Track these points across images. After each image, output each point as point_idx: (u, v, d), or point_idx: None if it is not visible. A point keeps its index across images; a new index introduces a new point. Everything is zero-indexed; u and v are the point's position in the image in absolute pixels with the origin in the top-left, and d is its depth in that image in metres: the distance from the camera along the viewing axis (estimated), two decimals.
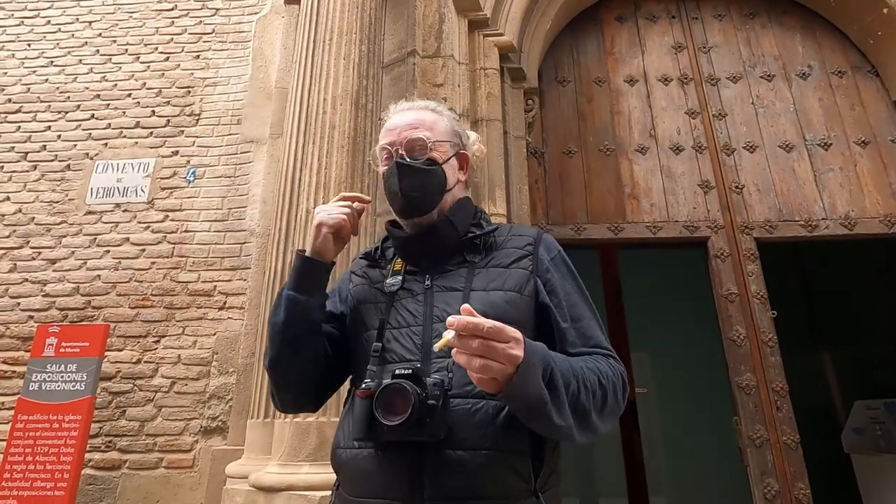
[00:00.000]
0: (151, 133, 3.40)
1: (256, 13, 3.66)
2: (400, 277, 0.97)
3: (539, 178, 3.45)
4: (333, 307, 1.04)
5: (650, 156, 3.48)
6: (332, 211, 0.96)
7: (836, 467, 4.28)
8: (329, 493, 1.72)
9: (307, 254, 0.96)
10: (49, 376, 2.59)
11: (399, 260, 1.01)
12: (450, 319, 0.67)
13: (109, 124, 3.44)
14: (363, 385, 0.81)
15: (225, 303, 2.96)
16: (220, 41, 3.60)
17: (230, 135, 3.36)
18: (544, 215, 3.37)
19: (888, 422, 4.22)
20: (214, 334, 2.89)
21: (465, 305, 0.69)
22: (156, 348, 2.88)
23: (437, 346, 0.70)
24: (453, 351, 0.68)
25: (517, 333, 0.70)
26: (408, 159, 0.99)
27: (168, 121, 3.43)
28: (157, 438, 2.72)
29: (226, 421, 2.72)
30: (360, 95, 2.44)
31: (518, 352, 0.68)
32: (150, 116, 3.45)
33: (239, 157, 3.28)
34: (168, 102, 3.47)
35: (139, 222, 3.17)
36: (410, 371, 0.77)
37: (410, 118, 1.03)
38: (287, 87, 3.23)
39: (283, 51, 3.45)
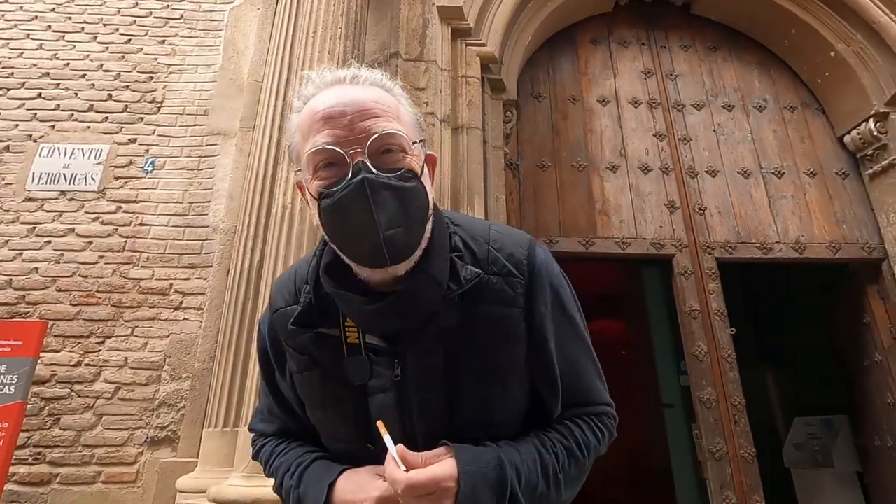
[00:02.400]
0: (107, 118, 3.16)
1: (229, 3, 3.51)
2: (366, 361, 0.72)
3: (514, 190, 3.46)
4: (286, 392, 0.82)
5: (620, 174, 3.57)
6: None
7: (778, 482, 4.48)
8: None
9: None
10: None
11: (353, 326, 0.73)
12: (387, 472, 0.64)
13: (59, 105, 3.17)
14: None
15: (181, 302, 2.75)
16: (188, 28, 3.42)
17: (195, 125, 3.17)
18: (518, 226, 3.38)
19: (825, 438, 4.47)
20: (168, 336, 2.67)
21: (399, 446, 0.65)
22: (99, 350, 2.63)
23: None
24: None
25: (447, 483, 0.63)
26: (380, 172, 0.66)
27: (126, 106, 3.20)
28: (95, 450, 2.47)
29: (176, 431, 2.51)
30: None
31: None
32: (105, 100, 3.21)
33: (204, 150, 3.10)
34: (127, 87, 3.24)
35: (87, 212, 2.92)
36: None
37: (359, 97, 0.69)
38: (261, 80, 3.11)
39: (257, 43, 3.32)
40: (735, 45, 4.03)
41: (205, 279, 2.79)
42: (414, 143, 0.71)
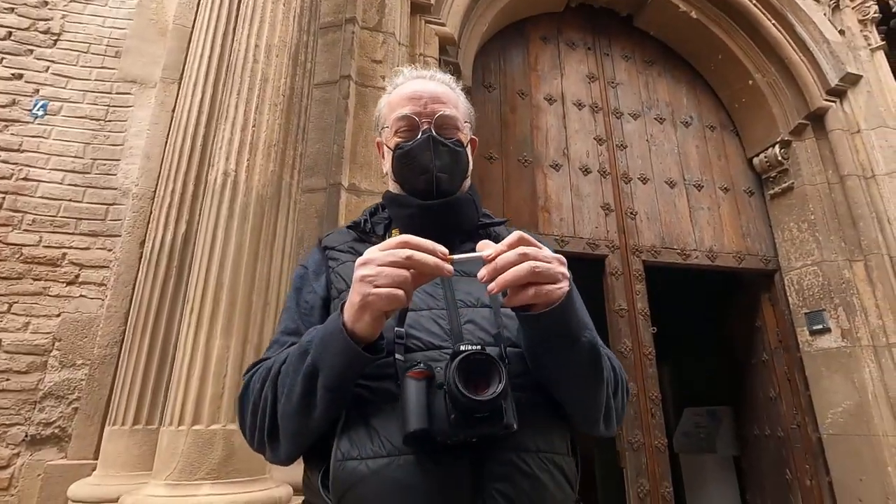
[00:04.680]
0: None
1: None
2: None
3: None
4: (316, 301, 0.85)
5: (563, 173, 3.65)
6: (383, 279, 0.63)
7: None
8: None
9: (352, 336, 0.67)
10: None
11: (398, 234, 0.84)
12: (499, 246, 0.66)
13: None
14: (416, 365, 0.66)
15: (78, 276, 2.32)
16: None
17: (102, 68, 2.68)
18: None
19: (709, 426, 5.00)
20: (59, 315, 2.24)
21: (519, 232, 0.68)
22: None
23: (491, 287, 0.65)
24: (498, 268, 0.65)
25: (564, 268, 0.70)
26: (441, 137, 0.89)
27: (10, 33, 2.61)
28: None
29: (66, 428, 2.12)
30: (298, 51, 2.11)
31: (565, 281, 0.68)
32: None
33: (114, 98, 2.64)
34: (13, 10, 2.65)
35: None
36: (480, 346, 0.64)
37: (434, 89, 0.94)
38: (190, 27, 2.71)
39: None
40: (669, 62, 4.29)
41: (109, 250, 2.38)
42: (465, 122, 0.95)
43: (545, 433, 0.72)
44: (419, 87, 0.93)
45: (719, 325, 4.53)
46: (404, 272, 0.64)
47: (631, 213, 3.68)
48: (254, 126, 1.88)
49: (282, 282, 1.81)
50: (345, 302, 0.68)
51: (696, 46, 4.21)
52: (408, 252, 0.64)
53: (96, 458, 1.96)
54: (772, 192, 3.98)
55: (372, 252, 0.66)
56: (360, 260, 0.66)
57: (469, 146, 0.96)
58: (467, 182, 0.95)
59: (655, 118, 4.06)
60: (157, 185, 2.35)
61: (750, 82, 4.06)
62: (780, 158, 3.85)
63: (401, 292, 0.63)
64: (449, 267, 0.65)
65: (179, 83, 2.54)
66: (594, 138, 3.83)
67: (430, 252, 0.64)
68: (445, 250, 0.66)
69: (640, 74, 4.19)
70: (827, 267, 3.55)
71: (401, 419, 0.64)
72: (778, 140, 3.88)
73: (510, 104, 3.73)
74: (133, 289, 2.21)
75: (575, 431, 0.78)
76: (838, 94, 3.83)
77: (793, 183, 3.82)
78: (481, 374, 0.62)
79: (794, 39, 3.92)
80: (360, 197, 2.48)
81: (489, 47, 3.80)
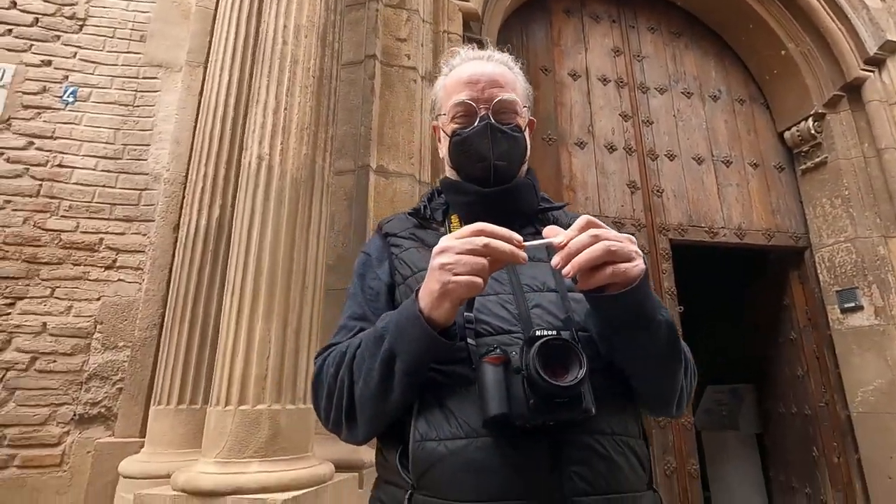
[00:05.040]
0: (11, 31, 2.57)
1: None
2: None
3: None
4: (381, 287, 0.85)
5: (587, 151, 3.59)
6: (462, 266, 0.64)
7: None
8: (289, 494, 1.45)
9: (429, 322, 0.67)
10: None
11: (457, 220, 0.87)
12: (575, 227, 0.65)
13: None
14: (492, 350, 0.67)
15: (115, 261, 2.37)
16: None
17: (129, 52, 2.68)
18: None
19: (731, 404, 4.99)
20: (99, 299, 2.30)
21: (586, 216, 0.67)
22: (9, 313, 2.21)
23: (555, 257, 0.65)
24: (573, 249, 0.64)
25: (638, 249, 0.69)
26: (499, 124, 0.87)
27: (37, 19, 2.62)
28: (7, 430, 2.09)
29: (111, 407, 2.19)
30: (326, 31, 2.08)
31: (640, 259, 0.67)
32: (8, 8, 2.60)
33: (141, 83, 2.64)
34: None
35: None
36: (556, 332, 0.65)
37: (492, 72, 0.91)
38: (213, 9, 2.69)
39: None
40: (696, 33, 4.15)
41: (144, 234, 2.42)
42: (524, 107, 0.93)
43: (619, 416, 0.72)
44: (477, 70, 0.90)
45: (745, 304, 4.48)
46: (482, 260, 0.64)
47: (657, 191, 3.62)
48: (285, 109, 1.88)
49: (318, 265, 1.82)
50: (418, 288, 0.69)
51: (725, 16, 4.06)
52: (485, 240, 0.64)
53: (142, 436, 2.04)
54: (803, 166, 3.87)
55: (449, 240, 0.66)
56: (437, 248, 0.66)
57: (527, 129, 0.94)
58: (525, 166, 0.93)
59: (683, 92, 3.95)
60: (187, 169, 2.37)
61: (782, 52, 3.91)
62: (813, 132, 3.73)
63: (479, 280, 0.64)
64: (524, 254, 0.64)
65: (205, 66, 2.54)
66: (619, 114, 3.75)
67: (505, 240, 0.64)
68: (520, 238, 0.65)
69: (666, 47, 4.06)
70: (861, 244, 3.47)
71: (479, 403, 0.65)
72: (811, 113, 3.75)
73: (533, 81, 3.63)
74: (169, 272, 2.25)
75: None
76: (877, 63, 3.68)
77: (826, 157, 3.70)
78: (559, 359, 0.62)
79: (830, 6, 3.75)
80: (389, 179, 2.47)
81: (511, 22, 3.71)
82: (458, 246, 0.64)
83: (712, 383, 5.33)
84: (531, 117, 0.97)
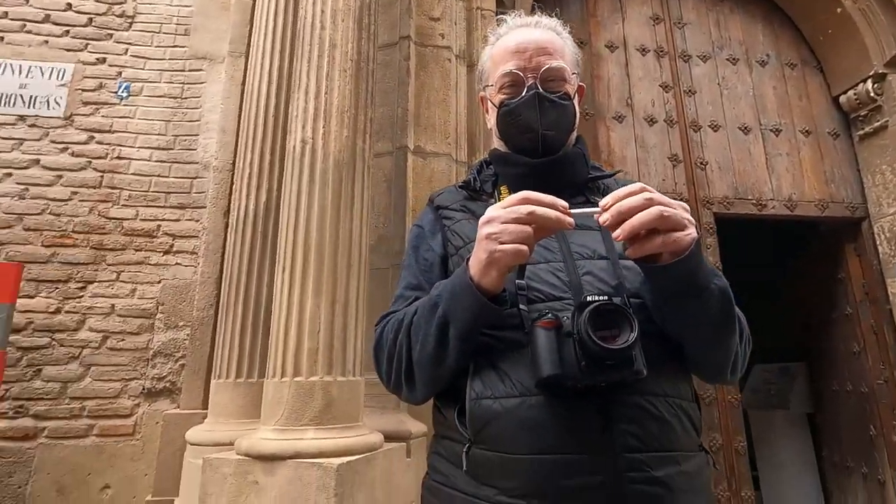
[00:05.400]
0: (68, 32, 2.73)
1: None
2: None
3: None
4: (434, 258, 0.88)
5: (626, 125, 3.50)
6: (507, 235, 0.66)
7: None
8: (344, 459, 1.53)
9: (479, 289, 0.70)
10: None
11: (506, 191, 0.87)
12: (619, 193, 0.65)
13: (6, 13, 2.70)
14: (544, 315, 0.69)
15: (172, 246, 2.51)
16: None
17: (174, 47, 2.80)
18: None
19: (780, 383, 4.83)
20: (160, 282, 2.45)
21: (639, 184, 0.67)
22: (81, 296, 2.39)
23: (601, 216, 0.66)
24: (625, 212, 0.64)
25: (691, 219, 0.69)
26: (547, 93, 0.86)
27: (91, 19, 2.77)
28: (85, 402, 2.28)
29: (175, 382, 2.35)
30: (362, 13, 2.11)
31: (692, 227, 0.67)
32: (64, 10, 2.76)
33: (187, 76, 2.76)
34: None
35: (53, 142, 2.56)
36: (608, 298, 0.66)
37: (539, 38, 0.90)
38: (249, 0, 2.75)
39: None
40: None
41: (197, 220, 2.56)
42: (573, 73, 0.92)
43: (672, 379, 0.73)
44: (523, 38, 0.89)
45: (787, 280, 4.30)
46: (527, 228, 0.65)
47: (701, 164, 3.50)
48: (326, 93, 1.93)
49: (362, 244, 1.88)
50: (469, 258, 0.71)
51: None
52: (530, 208, 0.65)
53: (205, 408, 2.18)
54: (861, 132, 3.64)
55: (495, 210, 0.68)
56: (483, 218, 0.68)
57: (577, 96, 0.93)
58: (574, 133, 0.92)
59: (727, 59, 3.77)
60: (234, 157, 2.48)
61: (838, 10, 3.66)
62: (872, 94, 3.50)
63: (524, 247, 0.65)
64: (570, 220, 0.66)
65: (246, 56, 2.62)
66: (660, 85, 3.62)
67: (550, 206, 0.66)
68: (565, 204, 0.66)
69: (709, 12, 3.88)
70: None
71: (531, 365, 0.67)
72: (870, 74, 3.52)
73: None
74: (222, 255, 2.38)
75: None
76: None
77: (887, 121, 3.47)
78: (610, 323, 0.64)
79: None
80: (426, 160, 2.50)
81: None
82: (504, 215, 0.66)
83: (759, 361, 5.17)
84: (580, 83, 0.95)
